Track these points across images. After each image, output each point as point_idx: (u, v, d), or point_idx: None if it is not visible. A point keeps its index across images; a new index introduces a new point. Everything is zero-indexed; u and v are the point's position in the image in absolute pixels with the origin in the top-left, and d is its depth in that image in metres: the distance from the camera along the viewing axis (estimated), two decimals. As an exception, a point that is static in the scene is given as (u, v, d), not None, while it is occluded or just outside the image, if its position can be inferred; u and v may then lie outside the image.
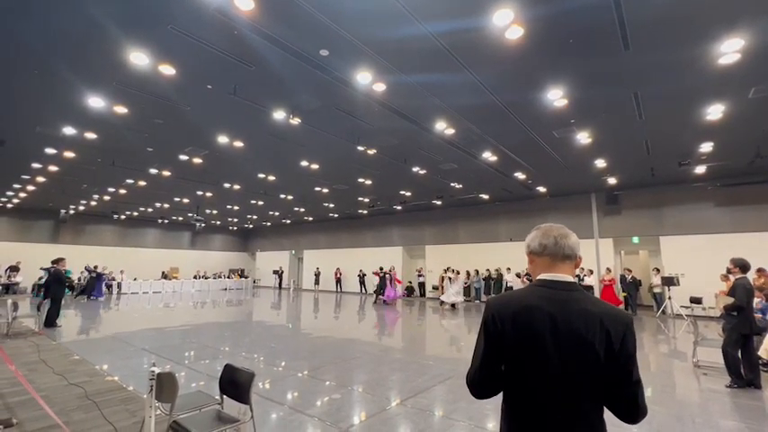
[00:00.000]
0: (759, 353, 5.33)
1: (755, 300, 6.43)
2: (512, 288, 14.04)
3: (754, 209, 11.32)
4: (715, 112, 6.80)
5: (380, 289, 15.71)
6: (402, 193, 14.49)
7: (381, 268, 16.12)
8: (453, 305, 13.70)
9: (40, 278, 17.48)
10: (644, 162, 10.07)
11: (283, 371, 5.57)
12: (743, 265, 4.88)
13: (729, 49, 4.89)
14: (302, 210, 19.06)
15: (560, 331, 1.17)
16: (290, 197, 15.61)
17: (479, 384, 1.28)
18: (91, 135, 8.29)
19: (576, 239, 1.33)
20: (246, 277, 26.45)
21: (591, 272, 12.70)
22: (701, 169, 10.47)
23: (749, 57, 5.06)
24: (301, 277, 25.01)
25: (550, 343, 1.16)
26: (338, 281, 21.30)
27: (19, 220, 19.23)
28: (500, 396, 1.30)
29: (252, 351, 6.87)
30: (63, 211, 19.10)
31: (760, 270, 7.55)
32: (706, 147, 8.73)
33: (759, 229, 11.08)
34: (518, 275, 14.08)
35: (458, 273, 14.46)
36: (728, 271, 5.03)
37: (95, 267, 16.88)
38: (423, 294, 18.69)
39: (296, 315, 12.71)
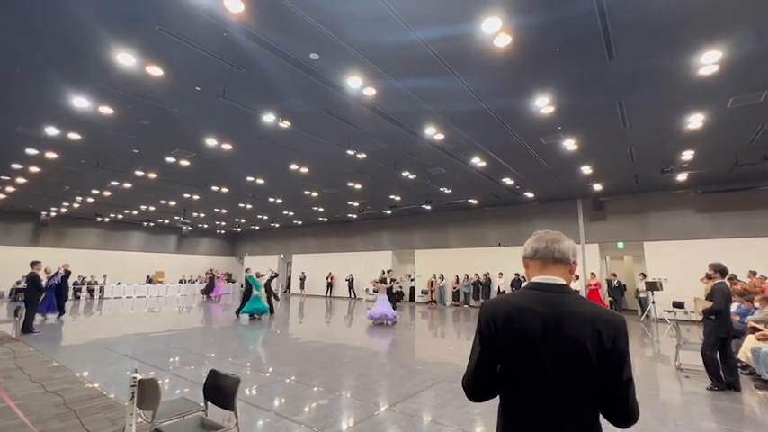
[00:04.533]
0: (738, 356, 5.48)
1: (734, 304, 6.63)
2: (503, 292, 14.12)
3: (733, 215, 11.65)
4: (695, 121, 7.00)
5: (209, 288, 20.08)
6: (392, 197, 14.51)
7: (211, 270, 21.09)
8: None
9: (18, 282, 16.98)
10: (628, 169, 10.30)
11: (270, 376, 5.50)
12: (722, 270, 5.02)
13: (709, 61, 5.07)
14: (291, 214, 18.92)
15: (551, 332, 1.17)
16: (279, 201, 15.49)
17: (475, 387, 1.29)
18: (74, 136, 8.11)
19: (571, 245, 1.32)
20: (234, 281, 26.08)
21: (576, 276, 12.89)
22: (682, 176, 10.75)
23: (727, 68, 5.25)
24: (291, 282, 24.83)
25: (542, 344, 1.17)
26: (330, 285, 21.28)
27: (-3, 223, 18.66)
28: (491, 400, 1.30)
29: (238, 356, 6.76)
30: (44, 213, 18.60)
31: (731, 278, 7.81)
32: (687, 155, 8.98)
33: (738, 234, 11.40)
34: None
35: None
36: (708, 276, 5.16)
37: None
38: (412, 299, 18.69)
39: (284, 319, 12.57)
